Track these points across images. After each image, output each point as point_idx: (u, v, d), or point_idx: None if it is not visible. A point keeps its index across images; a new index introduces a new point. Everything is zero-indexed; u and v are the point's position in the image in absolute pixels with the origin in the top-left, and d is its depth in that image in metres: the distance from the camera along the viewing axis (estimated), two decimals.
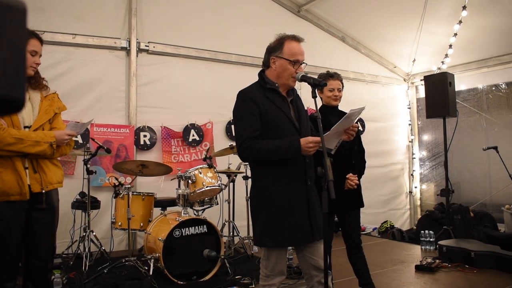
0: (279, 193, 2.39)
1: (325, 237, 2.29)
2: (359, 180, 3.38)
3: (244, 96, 2.47)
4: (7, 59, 0.69)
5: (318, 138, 2.26)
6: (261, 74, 2.56)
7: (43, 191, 2.56)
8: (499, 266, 4.44)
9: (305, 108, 2.69)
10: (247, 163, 3.30)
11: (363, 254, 3.46)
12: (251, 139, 2.35)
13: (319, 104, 3.44)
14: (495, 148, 5.60)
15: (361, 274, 3.45)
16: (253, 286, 3.85)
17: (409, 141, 8.27)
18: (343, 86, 3.46)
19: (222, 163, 5.55)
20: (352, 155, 3.40)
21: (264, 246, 2.47)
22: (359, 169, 3.46)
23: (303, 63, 2.48)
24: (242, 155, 2.43)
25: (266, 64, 2.55)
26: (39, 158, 2.57)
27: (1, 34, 0.67)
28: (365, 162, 3.57)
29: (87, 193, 4.48)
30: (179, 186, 4.47)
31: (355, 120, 2.48)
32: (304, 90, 5.28)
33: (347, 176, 3.27)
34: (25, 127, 2.55)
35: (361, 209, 3.52)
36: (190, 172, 4.37)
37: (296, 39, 2.48)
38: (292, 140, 2.33)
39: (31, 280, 2.58)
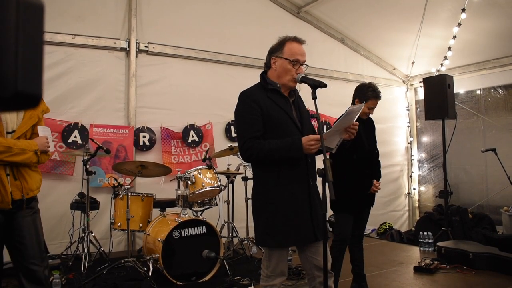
0: (281, 193, 2.39)
1: (324, 238, 2.29)
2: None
3: (245, 97, 2.49)
4: (26, 55, 0.70)
5: (319, 136, 2.27)
6: (263, 75, 2.58)
7: (24, 198, 2.52)
8: (497, 267, 4.46)
9: (307, 109, 2.70)
10: (248, 163, 3.35)
11: (362, 246, 3.83)
12: (253, 139, 2.36)
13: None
14: (494, 150, 5.61)
15: (356, 264, 3.80)
16: (252, 287, 3.85)
17: (408, 143, 8.28)
18: None
19: (221, 164, 5.56)
20: (375, 158, 3.77)
21: (266, 246, 2.47)
22: (380, 173, 3.84)
23: (304, 64, 2.49)
24: (244, 155, 2.44)
25: (267, 65, 2.58)
26: (20, 166, 2.53)
27: (19, 30, 0.68)
28: (379, 163, 3.89)
29: (86, 193, 4.47)
30: (178, 187, 4.47)
31: (355, 118, 2.49)
32: (303, 92, 5.30)
33: (373, 183, 3.65)
34: (7, 132, 2.50)
35: None
36: (189, 173, 4.37)
37: (297, 40, 2.52)
38: (293, 139, 2.34)
39: (24, 277, 2.54)
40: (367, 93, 3.57)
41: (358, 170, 3.54)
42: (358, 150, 3.46)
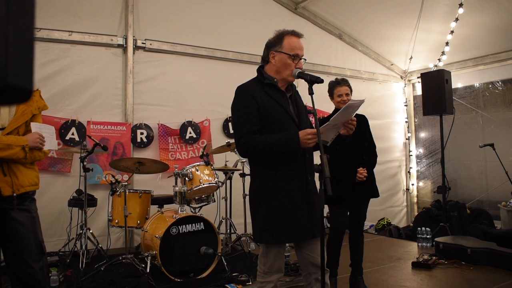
0: (279, 189, 2.38)
1: (321, 234, 2.28)
2: (372, 171, 3.78)
3: (242, 91, 2.47)
4: (17, 49, 0.69)
5: (316, 130, 2.26)
6: (260, 70, 2.55)
7: (14, 194, 2.48)
8: (495, 262, 4.46)
9: (304, 104, 2.69)
10: (246, 158, 3.34)
11: (363, 240, 3.84)
12: (249, 134, 2.35)
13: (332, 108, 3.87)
14: (492, 145, 5.60)
15: (353, 257, 3.81)
16: (250, 283, 3.85)
17: (406, 139, 8.28)
18: (351, 90, 3.78)
19: (219, 160, 5.55)
20: (362, 151, 3.73)
21: (264, 243, 2.46)
22: (369, 162, 3.77)
23: (303, 58, 2.48)
24: (240, 150, 2.42)
25: (265, 59, 2.54)
26: (11, 162, 2.49)
27: (10, 23, 0.67)
28: (376, 156, 3.90)
29: (83, 190, 4.47)
30: (176, 183, 4.46)
31: (354, 113, 2.47)
32: (300, 88, 5.28)
33: (357, 170, 3.62)
34: None
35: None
36: (186, 170, 4.36)
37: (296, 34, 2.49)
38: (290, 133, 2.33)
39: (17, 280, 2.51)
40: (330, 86, 3.80)
41: (342, 161, 3.53)
42: (342, 141, 3.43)
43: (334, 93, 3.75)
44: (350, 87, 3.78)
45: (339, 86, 3.73)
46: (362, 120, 3.85)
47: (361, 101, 2.45)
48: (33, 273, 2.51)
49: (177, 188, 4.40)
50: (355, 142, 3.64)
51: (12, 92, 0.70)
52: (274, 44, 2.48)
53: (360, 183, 3.62)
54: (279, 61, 2.45)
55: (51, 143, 2.74)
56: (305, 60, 2.50)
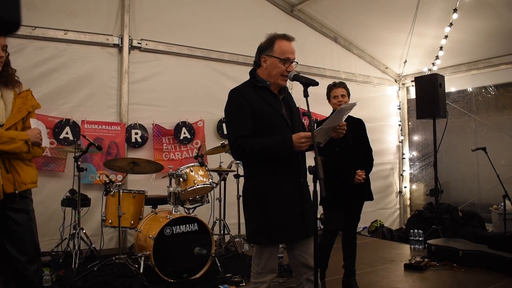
0: (273, 191, 2.39)
1: (315, 234, 2.30)
2: (367, 175, 3.81)
3: (235, 95, 2.48)
4: None
5: (309, 133, 2.27)
6: (253, 73, 2.57)
7: (16, 191, 2.47)
8: (487, 265, 4.51)
9: (297, 107, 2.71)
10: (240, 161, 3.35)
11: (356, 242, 3.90)
12: (243, 137, 2.35)
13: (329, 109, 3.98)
14: (484, 149, 5.65)
15: (346, 258, 3.86)
16: (244, 284, 3.86)
17: (399, 142, 8.33)
18: (349, 93, 3.89)
19: (213, 161, 5.55)
20: (360, 154, 3.81)
21: (258, 244, 2.46)
22: (367, 165, 3.85)
23: (294, 61, 2.49)
24: (234, 153, 2.43)
25: (257, 63, 2.56)
26: (12, 159, 2.48)
27: None
28: (372, 159, 3.97)
29: (77, 190, 4.45)
30: (170, 184, 4.46)
31: (345, 117, 2.51)
32: (295, 90, 5.30)
33: (356, 172, 3.69)
34: None
35: None
36: (181, 170, 4.36)
37: (287, 38, 2.49)
38: (284, 136, 2.34)
39: (12, 280, 2.49)
40: (327, 89, 3.93)
41: (341, 162, 3.62)
42: (341, 143, 3.48)
43: (330, 96, 3.88)
44: (346, 89, 3.87)
45: (334, 88, 3.86)
46: (360, 124, 3.94)
47: (353, 105, 2.49)
48: (28, 274, 2.50)
49: (171, 189, 4.39)
50: (353, 144, 3.71)
51: (1, 25, 0.71)
52: (266, 48, 2.49)
53: (356, 185, 3.68)
54: (270, 65, 2.46)
55: (45, 141, 2.74)
56: (297, 63, 2.52)
